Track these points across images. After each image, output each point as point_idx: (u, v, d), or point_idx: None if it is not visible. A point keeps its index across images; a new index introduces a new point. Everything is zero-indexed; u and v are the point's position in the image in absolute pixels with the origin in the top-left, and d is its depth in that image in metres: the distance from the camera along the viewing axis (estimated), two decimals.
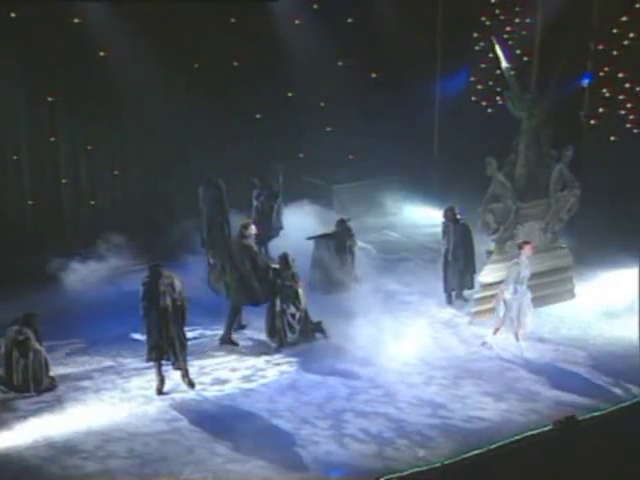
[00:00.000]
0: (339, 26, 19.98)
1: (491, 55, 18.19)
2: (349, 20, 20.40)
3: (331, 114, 20.56)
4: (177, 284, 12.74)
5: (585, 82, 19.21)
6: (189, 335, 13.36)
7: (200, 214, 17.12)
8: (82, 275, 16.16)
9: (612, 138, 18.83)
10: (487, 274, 15.17)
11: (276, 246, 16.71)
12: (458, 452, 10.24)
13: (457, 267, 15.68)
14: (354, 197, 20.17)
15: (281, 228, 17.65)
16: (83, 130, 18.27)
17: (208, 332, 14.68)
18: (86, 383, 13.25)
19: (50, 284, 15.83)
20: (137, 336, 14.07)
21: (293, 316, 14.31)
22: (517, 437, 9.67)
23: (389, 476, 9.18)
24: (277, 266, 14.49)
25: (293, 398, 12.87)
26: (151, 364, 13.01)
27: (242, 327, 14.80)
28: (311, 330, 14.50)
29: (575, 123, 19.24)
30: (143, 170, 19.01)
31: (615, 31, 18.52)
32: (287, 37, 19.36)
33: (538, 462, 9.04)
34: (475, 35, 20.85)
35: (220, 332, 14.44)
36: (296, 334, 14.33)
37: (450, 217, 15.71)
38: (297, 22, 19.70)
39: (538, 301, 14.65)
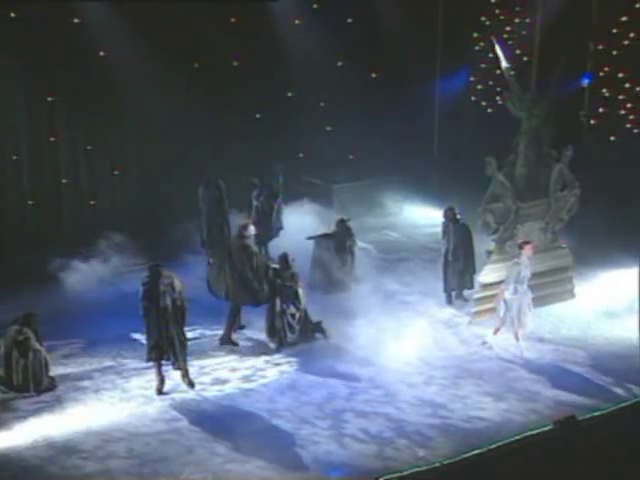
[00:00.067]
0: (339, 26, 20.00)
1: (491, 55, 18.21)
2: (349, 20, 20.42)
3: (331, 114, 20.57)
4: (177, 284, 12.73)
5: (585, 82, 19.22)
6: (189, 335, 13.35)
7: (200, 214, 17.13)
8: (82, 275, 16.14)
9: (612, 138, 18.86)
10: (487, 274, 15.17)
11: (276, 246, 16.71)
12: (458, 452, 10.21)
13: (457, 267, 15.68)
14: (354, 197, 20.17)
15: (281, 228, 17.64)
16: (83, 130, 18.29)
17: (208, 332, 14.67)
18: (86, 383, 13.24)
19: (50, 284, 15.81)
20: (137, 336, 14.08)
21: (293, 316, 14.31)
22: (517, 437, 9.64)
23: (389, 476, 9.16)
24: (277, 266, 14.49)
25: (293, 398, 12.87)
26: (151, 364, 13.00)
27: (242, 327, 14.79)
28: (311, 330, 14.50)
29: (575, 123, 19.25)
30: (143, 170, 19.02)
31: (615, 31, 18.56)
32: (287, 37, 19.38)
33: (538, 462, 9.03)
34: (475, 35, 20.89)
35: (220, 332, 14.43)
36: (296, 334, 14.33)
37: (450, 217, 15.71)
38: (297, 22, 19.72)
39: (538, 301, 14.66)
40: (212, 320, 14.70)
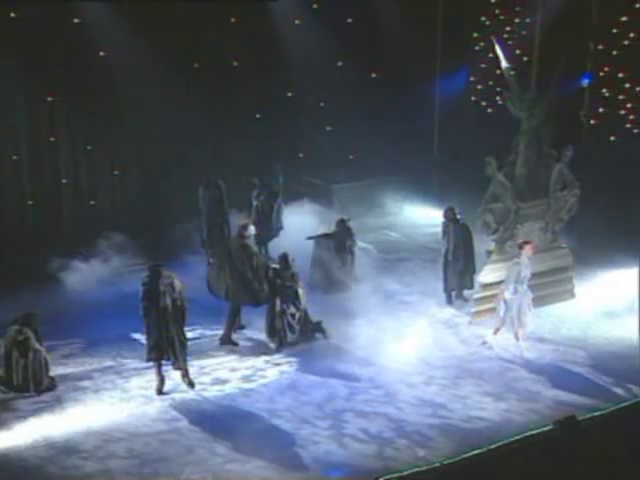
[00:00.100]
0: (339, 26, 20.00)
1: (491, 55, 18.21)
2: (349, 20, 20.41)
3: (331, 114, 20.57)
4: (177, 284, 12.73)
5: (585, 82, 19.22)
6: (189, 335, 13.36)
7: (200, 214, 17.13)
8: (82, 275, 16.14)
9: (612, 138, 18.86)
10: (487, 274, 15.17)
11: (276, 246, 16.71)
12: (458, 452, 10.21)
13: (457, 267, 15.68)
14: (354, 197, 20.17)
15: (281, 228, 17.64)
16: (83, 130, 18.29)
17: (208, 332, 14.67)
18: (86, 383, 13.24)
19: (50, 284, 15.81)
20: (137, 336, 14.08)
21: (293, 316, 14.31)
22: (517, 437, 9.65)
23: (389, 476, 9.16)
24: (277, 266, 14.49)
25: (293, 398, 12.87)
26: (151, 364, 13.00)
27: (242, 327, 14.79)
28: (311, 330, 14.50)
29: (575, 123, 19.25)
30: (143, 170, 19.02)
31: (615, 31, 18.55)
32: (287, 37, 19.38)
33: (538, 462, 9.03)
34: (475, 35, 20.88)
35: (220, 332, 14.43)
36: (296, 334, 14.33)
37: (450, 217, 15.71)
38: (297, 22, 19.72)
39: (538, 301, 14.66)
40: (212, 320, 14.70)
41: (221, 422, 12.23)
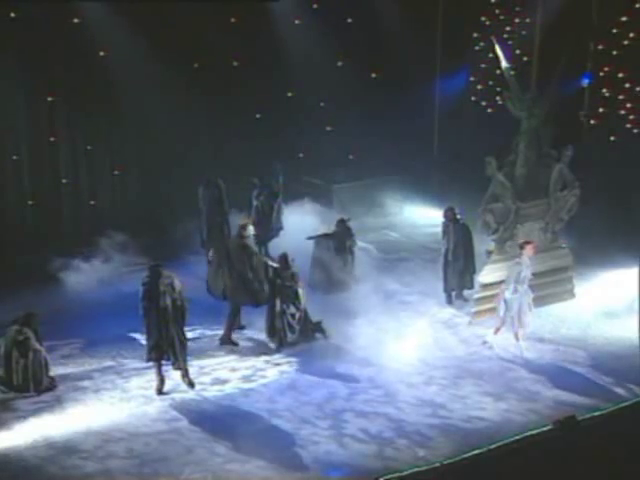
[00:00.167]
0: (339, 26, 20.00)
1: (491, 55, 18.20)
2: (349, 20, 20.41)
3: (331, 114, 20.58)
4: (177, 284, 12.73)
5: (585, 82, 19.22)
6: (189, 335, 13.36)
7: (200, 214, 17.12)
8: (82, 275, 16.15)
9: (612, 138, 18.85)
10: (487, 274, 15.17)
11: (276, 246, 16.71)
12: (458, 452, 10.22)
13: (457, 267, 15.68)
14: (354, 197, 20.17)
15: (281, 228, 17.64)
16: (83, 130, 18.28)
17: (208, 332, 14.68)
18: (86, 383, 13.24)
19: (50, 284, 15.82)
20: (137, 336, 14.08)
21: (293, 316, 14.31)
22: (517, 437, 9.65)
23: (389, 476, 9.17)
24: (276, 264, 14.49)
25: (293, 398, 12.87)
26: (151, 364, 13.00)
27: (242, 327, 14.79)
28: (311, 330, 14.50)
29: (575, 123, 19.25)
30: (143, 170, 19.02)
31: (615, 31, 18.54)
32: (287, 37, 19.38)
33: (538, 462, 9.03)
34: (475, 35, 20.88)
35: (220, 332, 14.43)
36: (296, 334, 14.33)
37: (450, 217, 15.71)
38: (297, 22, 19.72)
39: (538, 301, 14.65)
40: (212, 320, 14.70)
41: (221, 422, 12.23)
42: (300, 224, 17.39)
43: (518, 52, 19.53)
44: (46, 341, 13.31)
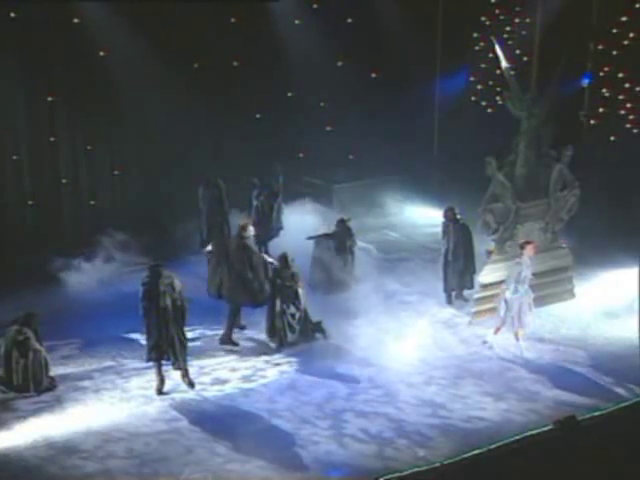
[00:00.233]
0: (339, 26, 19.99)
1: (491, 55, 18.20)
2: (349, 20, 20.41)
3: (331, 114, 20.58)
4: (177, 284, 12.74)
5: (585, 82, 19.22)
6: (189, 335, 13.36)
7: (200, 214, 17.12)
8: (82, 275, 16.16)
9: (612, 138, 18.85)
10: (487, 274, 15.17)
11: (276, 246, 16.70)
12: (458, 452, 10.21)
13: (457, 267, 15.68)
14: (354, 197, 20.17)
15: (281, 228, 17.65)
16: (83, 130, 18.27)
17: (208, 332, 14.67)
18: (86, 383, 13.24)
19: (50, 284, 15.82)
20: (137, 336, 14.07)
21: (293, 316, 14.31)
22: (517, 437, 9.65)
23: (389, 476, 9.16)
24: (275, 262, 14.50)
25: (293, 398, 12.87)
26: (151, 364, 13.01)
27: (242, 327, 14.79)
28: (311, 330, 14.50)
29: (575, 123, 19.25)
30: (143, 170, 19.01)
31: (615, 31, 18.54)
32: (287, 37, 19.38)
33: (538, 462, 9.03)
34: (475, 35, 20.87)
35: (220, 332, 14.43)
36: (296, 334, 14.33)
37: (450, 217, 15.71)
38: (297, 22, 19.72)
39: (538, 301, 14.65)
40: (212, 320, 14.70)
41: (221, 422, 12.23)
42: (300, 224, 17.38)
43: (518, 52, 19.53)
44: (46, 341, 13.31)
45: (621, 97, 18.69)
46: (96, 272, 16.34)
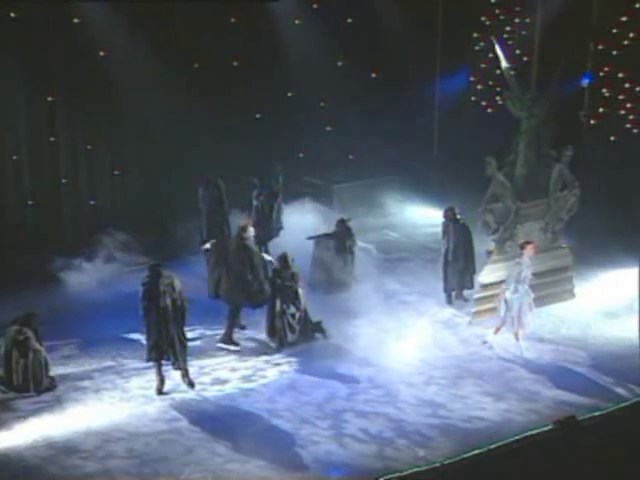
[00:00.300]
0: (339, 26, 19.99)
1: (491, 55, 18.20)
2: (349, 20, 20.41)
3: (331, 114, 20.58)
4: (177, 284, 12.73)
5: (585, 82, 19.22)
6: (189, 335, 13.36)
7: (200, 214, 17.12)
8: (82, 275, 16.15)
9: (612, 138, 18.85)
10: (487, 274, 15.18)
11: (276, 246, 16.70)
12: (458, 452, 10.21)
13: (457, 267, 15.68)
14: (354, 197, 20.17)
15: (281, 228, 17.63)
16: (83, 130, 18.26)
17: (208, 332, 14.68)
18: (86, 383, 13.24)
19: (50, 284, 15.82)
20: (137, 336, 14.07)
21: (293, 316, 14.31)
22: (517, 437, 9.65)
23: (389, 476, 9.17)
24: (272, 259, 14.50)
25: (293, 398, 12.87)
26: (151, 364, 13.01)
27: (242, 327, 14.79)
28: (311, 330, 14.50)
29: (575, 123, 19.24)
30: (143, 170, 19.00)
31: (615, 31, 18.54)
32: (287, 37, 19.38)
33: (538, 462, 9.03)
34: (475, 35, 20.88)
35: (220, 332, 14.43)
36: (296, 334, 14.33)
37: (450, 217, 15.71)
38: (297, 22, 19.72)
39: (538, 301, 14.64)
40: (212, 320, 14.71)
41: (221, 422, 12.23)
42: (300, 224, 17.38)
43: (518, 52, 19.53)
44: (46, 341, 13.31)
45: (621, 97, 18.69)
46: (96, 272, 16.34)
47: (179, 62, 18.09)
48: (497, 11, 20.48)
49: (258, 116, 19.77)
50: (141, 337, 13.57)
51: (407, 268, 17.17)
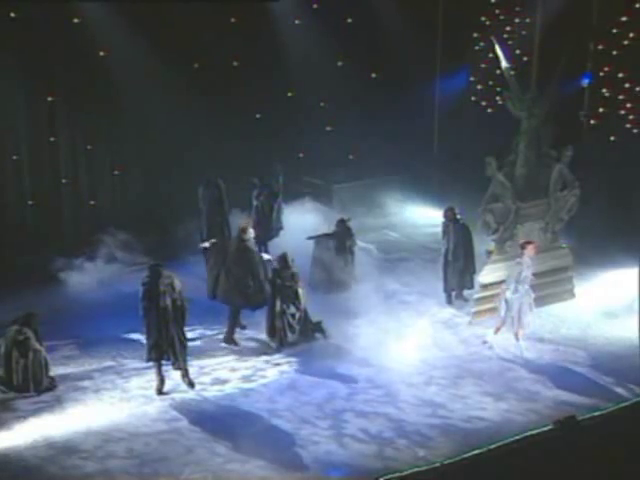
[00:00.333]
0: (339, 26, 19.99)
1: (491, 55, 18.20)
2: (349, 20, 20.41)
3: (331, 114, 20.58)
4: (177, 284, 12.73)
5: (585, 82, 19.21)
6: (189, 335, 13.36)
7: (200, 214, 17.12)
8: (82, 275, 16.15)
9: (612, 138, 18.84)
10: (487, 274, 15.18)
11: (276, 246, 16.70)
12: (458, 452, 10.22)
13: (457, 267, 15.68)
14: (354, 197, 20.17)
15: (281, 228, 17.64)
16: (83, 130, 18.26)
17: (208, 332, 14.69)
18: (86, 383, 13.24)
19: (50, 284, 15.82)
20: (137, 336, 14.06)
21: (293, 316, 14.31)
22: (517, 437, 9.66)
23: (389, 476, 9.17)
24: (272, 259, 14.50)
25: (293, 398, 12.87)
26: (151, 364, 13.01)
27: (243, 327, 14.80)
28: (311, 330, 14.50)
29: (575, 123, 19.24)
30: (143, 170, 19.01)
31: (615, 31, 18.53)
32: (287, 37, 19.38)
33: (538, 462, 9.03)
34: (475, 35, 20.87)
35: (220, 332, 14.45)
36: (296, 334, 14.33)
37: (450, 217, 15.71)
38: (297, 22, 19.72)
39: (538, 301, 14.64)
40: (212, 320, 14.72)
41: (221, 422, 12.23)
42: (300, 224, 17.38)
43: (518, 52, 19.52)
44: (46, 341, 13.31)
45: (621, 97, 18.68)
46: (96, 272, 16.33)
47: (179, 62, 18.09)
48: (497, 11, 20.47)
49: (258, 116, 19.77)
50: (141, 337, 13.57)
51: (407, 268, 17.16)
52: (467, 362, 13.92)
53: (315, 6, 19.93)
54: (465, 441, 11.50)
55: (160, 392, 12.91)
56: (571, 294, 16.05)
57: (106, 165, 18.73)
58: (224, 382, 13.32)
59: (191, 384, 13.05)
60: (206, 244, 15.51)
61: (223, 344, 14.30)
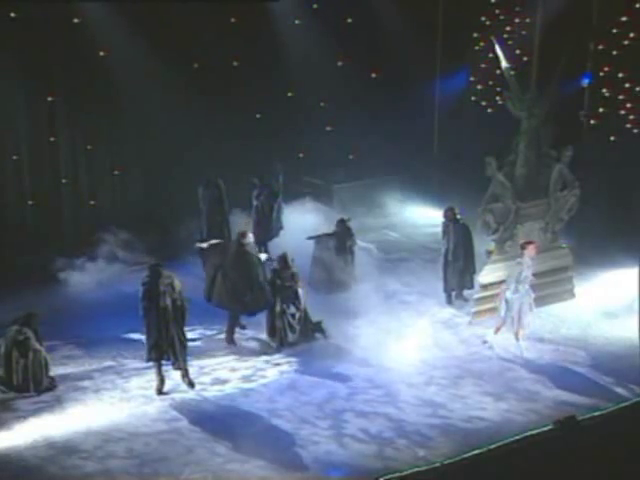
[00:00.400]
0: (339, 26, 19.99)
1: (491, 55, 18.20)
2: (349, 20, 20.41)
3: (331, 114, 20.57)
4: (177, 284, 12.74)
5: (585, 82, 19.20)
6: (189, 335, 13.36)
7: (200, 214, 17.12)
8: (82, 275, 16.15)
9: (612, 138, 18.83)
10: (487, 274, 15.18)
11: (276, 246, 16.70)
12: (458, 452, 10.22)
13: (457, 267, 15.68)
14: (354, 197, 20.18)
15: (281, 228, 17.64)
16: (83, 130, 18.26)
17: (208, 332, 14.70)
18: (86, 383, 13.24)
19: (50, 284, 15.82)
20: (137, 336, 14.06)
21: (293, 316, 14.31)
22: (517, 437, 9.66)
23: (389, 476, 9.17)
24: (267, 256, 14.50)
25: (293, 398, 12.87)
26: (151, 364, 13.01)
27: (242, 327, 14.80)
28: (311, 330, 14.50)
29: (575, 123, 19.24)
30: (143, 170, 19.01)
31: (615, 31, 18.52)
32: (287, 37, 19.38)
33: (538, 462, 9.03)
34: (475, 35, 20.86)
35: (220, 332, 14.45)
36: (296, 334, 14.33)
37: (450, 217, 15.71)
38: (297, 22, 19.72)
39: (538, 301, 14.64)
40: (212, 320, 14.71)
41: (221, 422, 12.23)
42: (300, 224, 17.38)
43: (518, 52, 19.51)
44: (46, 341, 13.31)
45: (621, 97, 18.67)
46: (96, 272, 16.33)
47: (179, 62, 18.09)
48: (497, 11, 20.45)
49: (258, 116, 19.76)
50: (141, 337, 13.55)
51: (407, 268, 17.16)
52: (467, 362, 13.92)
53: (315, 6, 19.91)
54: (465, 441, 11.50)
55: (160, 392, 12.91)
56: (571, 294, 16.05)
57: (106, 165, 18.74)
58: (224, 382, 13.32)
59: (191, 384, 13.05)
60: (203, 245, 15.48)
61: (224, 344, 14.28)
